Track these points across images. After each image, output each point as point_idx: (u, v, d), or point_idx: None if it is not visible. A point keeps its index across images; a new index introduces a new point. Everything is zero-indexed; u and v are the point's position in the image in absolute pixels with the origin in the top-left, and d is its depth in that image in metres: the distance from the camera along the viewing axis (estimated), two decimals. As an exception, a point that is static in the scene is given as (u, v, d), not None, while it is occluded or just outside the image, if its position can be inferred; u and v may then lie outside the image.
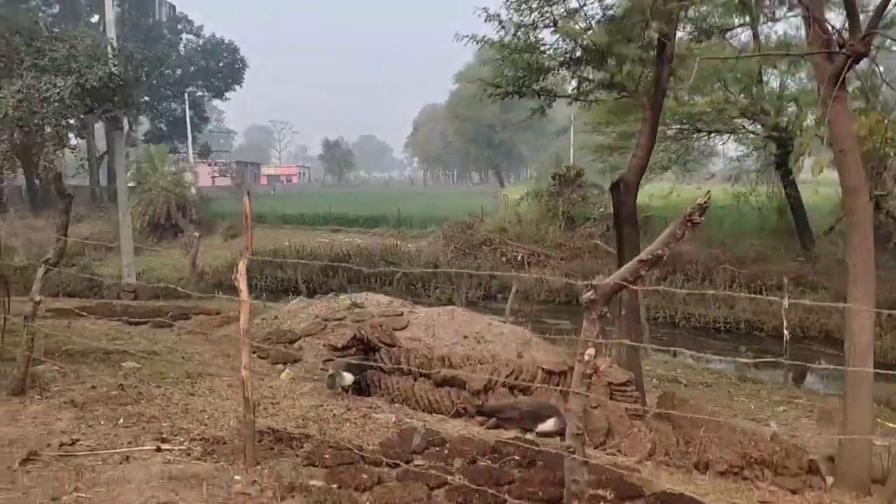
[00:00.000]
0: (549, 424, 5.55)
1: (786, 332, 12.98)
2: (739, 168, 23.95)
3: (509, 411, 5.64)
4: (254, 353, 9.36)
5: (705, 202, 3.09)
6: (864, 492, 5.70)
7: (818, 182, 28.42)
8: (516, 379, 7.80)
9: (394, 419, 6.45)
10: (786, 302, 12.71)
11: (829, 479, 6.17)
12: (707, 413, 8.49)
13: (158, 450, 4.84)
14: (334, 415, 6.32)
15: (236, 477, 4.48)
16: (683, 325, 19.19)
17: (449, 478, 4.81)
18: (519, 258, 26.49)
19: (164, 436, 5.16)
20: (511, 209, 31.94)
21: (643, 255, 3.17)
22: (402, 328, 9.86)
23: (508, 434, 6.41)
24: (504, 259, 26.54)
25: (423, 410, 7.37)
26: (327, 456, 4.99)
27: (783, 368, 14.27)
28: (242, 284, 4.70)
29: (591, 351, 3.25)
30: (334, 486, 4.53)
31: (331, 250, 27.01)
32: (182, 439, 5.15)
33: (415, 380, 7.78)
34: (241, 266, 4.70)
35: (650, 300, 20.48)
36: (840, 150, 5.33)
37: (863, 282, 5.50)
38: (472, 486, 4.59)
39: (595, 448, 6.42)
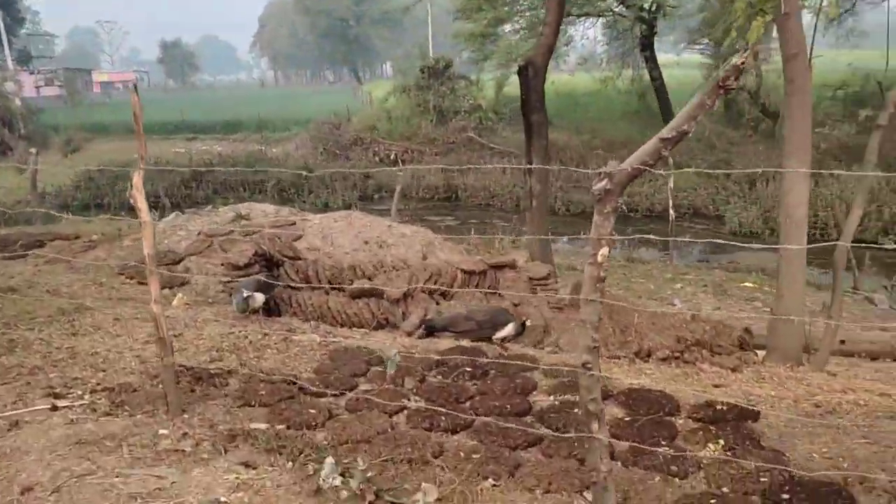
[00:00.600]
0: (508, 329, 5.15)
1: (671, 211, 13.31)
2: (607, 53, 24.04)
3: (464, 323, 5.17)
4: (130, 278, 8.35)
5: (742, 63, 2.60)
6: (796, 362, 5.79)
7: (678, 64, 29.32)
8: (436, 283, 7.35)
9: (318, 340, 5.83)
10: (671, 182, 12.95)
11: (760, 353, 6.26)
12: (626, 300, 8.47)
13: (54, 408, 4.00)
14: (251, 342, 5.61)
15: (161, 431, 3.76)
16: (562, 212, 19.43)
17: (404, 401, 4.33)
18: (392, 156, 25.72)
19: (56, 390, 4.29)
20: (378, 107, 30.81)
21: (665, 132, 2.67)
22: (298, 238, 9.07)
23: (445, 343, 6.00)
24: (377, 158, 25.69)
25: (341, 325, 6.80)
26: (263, 392, 4.33)
27: (659, 246, 14.77)
28: (140, 201, 3.81)
29: (605, 250, 2.78)
30: (281, 426, 3.92)
31: (190, 161, 24.96)
32: (80, 392, 4.30)
33: (326, 293, 7.14)
34: (137, 179, 3.80)
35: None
36: (785, 12, 5.03)
37: (799, 153, 5.38)
38: (432, 407, 4.13)
39: (534, 347, 6.14)
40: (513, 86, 29.39)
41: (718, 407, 4.21)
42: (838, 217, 15.34)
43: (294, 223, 9.71)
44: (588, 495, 3.18)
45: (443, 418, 3.99)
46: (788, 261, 5.64)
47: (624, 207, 19.05)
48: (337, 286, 7.25)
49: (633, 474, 3.40)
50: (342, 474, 3.28)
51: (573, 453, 3.58)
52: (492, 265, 7.72)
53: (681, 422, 4.11)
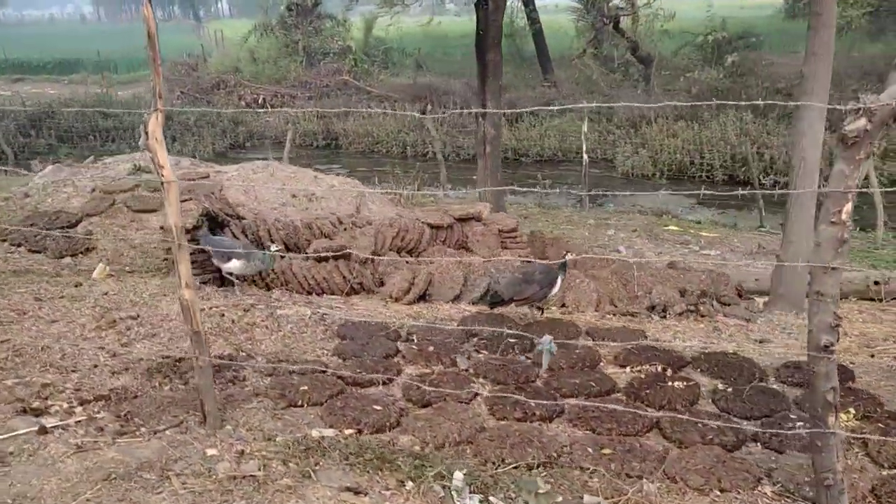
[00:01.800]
0: (559, 284, 4.61)
1: (585, 156, 13.17)
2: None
3: (528, 288, 4.51)
4: (18, 245, 6.96)
5: None
6: (800, 308, 5.72)
7: (556, 7, 29.30)
8: (402, 240, 6.64)
9: (309, 313, 5.00)
10: (585, 126, 12.79)
11: (761, 300, 6.16)
12: (584, 248, 8.18)
13: (43, 430, 3.00)
14: (233, 321, 4.68)
15: (209, 451, 2.91)
16: (453, 158, 18.93)
17: (473, 387, 3.70)
18: (260, 100, 23.91)
19: (30, 404, 3.25)
20: (237, 47, 28.52)
21: None
22: (217, 193, 7.96)
23: (446, 309, 5.37)
24: (243, 103, 23.78)
25: (308, 293, 5.94)
26: (304, 387, 3.53)
27: (566, 193, 14.72)
28: (161, 153, 2.85)
29: (849, 206, 2.29)
30: (351, 430, 3.18)
31: (24, 104, 21.83)
32: (63, 404, 3.30)
33: (282, 257, 6.23)
34: (154, 124, 2.82)
35: (415, 136, 19.89)
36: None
37: (820, 93, 5.17)
38: (507, 393, 3.54)
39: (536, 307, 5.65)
40: (379, 27, 28.27)
41: (804, 367, 3.92)
42: (724, 159, 16.01)
43: (207, 175, 8.52)
44: (766, 489, 2.77)
45: (530, 404, 3.41)
46: (801, 205, 5.49)
47: (510, 153, 18.89)
48: (293, 248, 6.36)
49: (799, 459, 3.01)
50: (477, 491, 2.64)
51: (710, 438, 3.14)
52: (457, 218, 7.10)
53: (776, 387, 3.80)
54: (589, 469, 2.90)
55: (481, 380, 3.82)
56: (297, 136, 21.40)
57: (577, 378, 3.80)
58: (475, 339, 4.43)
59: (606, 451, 3.03)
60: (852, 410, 3.39)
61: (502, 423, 3.34)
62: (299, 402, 3.41)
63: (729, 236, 10.46)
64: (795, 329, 5.21)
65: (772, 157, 15.63)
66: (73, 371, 3.69)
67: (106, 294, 5.15)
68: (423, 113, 17.05)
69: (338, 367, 3.87)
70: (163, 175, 2.85)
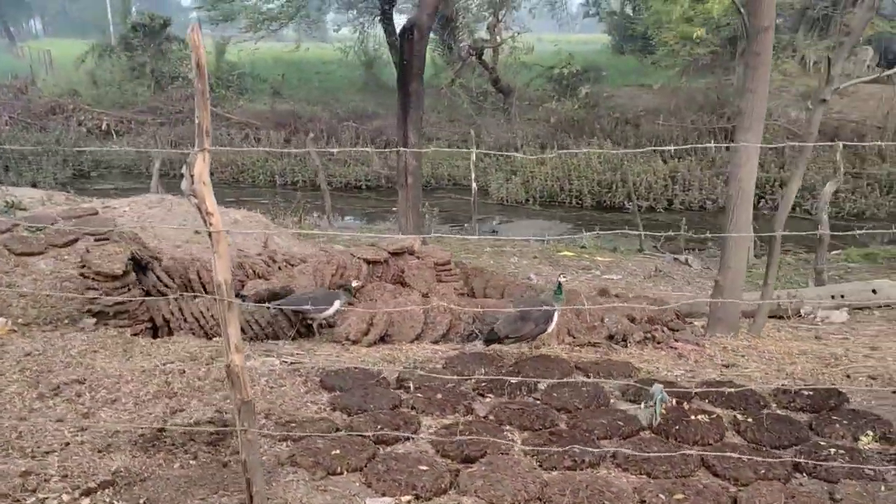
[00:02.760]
0: (556, 319, 4.55)
1: (474, 184, 13.26)
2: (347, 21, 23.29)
3: (525, 326, 4.35)
4: None
5: None
6: (736, 330, 6.01)
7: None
8: (342, 277, 6.30)
9: (277, 363, 4.57)
10: (473, 156, 12.92)
11: (698, 324, 6.41)
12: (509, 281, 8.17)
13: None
14: (198, 378, 4.17)
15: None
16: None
17: (508, 437, 3.51)
18: (104, 126, 22.15)
19: (21, 500, 2.66)
20: (69, 68, 26.32)
21: None
22: (108, 233, 7.22)
23: (418, 348, 5.12)
24: (84, 129, 21.92)
25: (253, 339, 5.45)
26: (336, 451, 3.17)
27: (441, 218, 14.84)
28: (210, 201, 2.46)
29: None
30: (407, 498, 2.90)
31: None
32: (63, 497, 2.73)
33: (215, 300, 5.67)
34: (202, 165, 2.43)
35: (283, 164, 19.23)
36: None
37: (756, 127, 5.49)
38: (542, 440, 3.40)
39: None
40: (231, 53, 27.22)
41: (803, 392, 4.09)
42: (591, 186, 16.83)
43: (95, 212, 7.71)
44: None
45: (574, 451, 3.28)
46: (738, 232, 5.78)
47: (383, 180, 18.79)
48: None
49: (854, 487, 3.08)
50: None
51: (763, 473, 3.16)
52: (392, 252, 6.85)
53: (782, 413, 3.92)
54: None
55: (508, 427, 3.63)
56: (149, 166, 20.06)
57: (600, 418, 3.71)
58: (472, 382, 4.23)
59: (678, 496, 2.95)
60: (870, 433, 3.55)
61: (556, 473, 3.17)
62: (338, 470, 3.05)
63: (622, 261, 10.93)
64: (747, 352, 5.46)
65: (634, 182, 16.61)
66: (47, 452, 3.08)
67: (29, 355, 4.42)
68: (315, 142, 16.48)
69: (349, 425, 3.53)
70: (212, 224, 2.45)
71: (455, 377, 4.25)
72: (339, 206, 16.64)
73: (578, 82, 24.03)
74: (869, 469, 3.16)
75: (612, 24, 39.73)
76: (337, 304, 5.32)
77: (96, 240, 5.96)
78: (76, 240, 6.49)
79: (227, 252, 2.50)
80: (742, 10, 5.59)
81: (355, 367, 4.45)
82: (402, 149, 7.93)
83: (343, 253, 6.59)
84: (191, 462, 3.09)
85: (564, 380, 4.17)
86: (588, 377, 4.38)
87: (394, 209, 16.74)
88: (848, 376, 4.55)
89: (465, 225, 14.65)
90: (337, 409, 3.81)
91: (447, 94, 21.60)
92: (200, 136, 2.42)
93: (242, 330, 5.38)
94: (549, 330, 4.60)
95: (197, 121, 2.44)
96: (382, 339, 5.41)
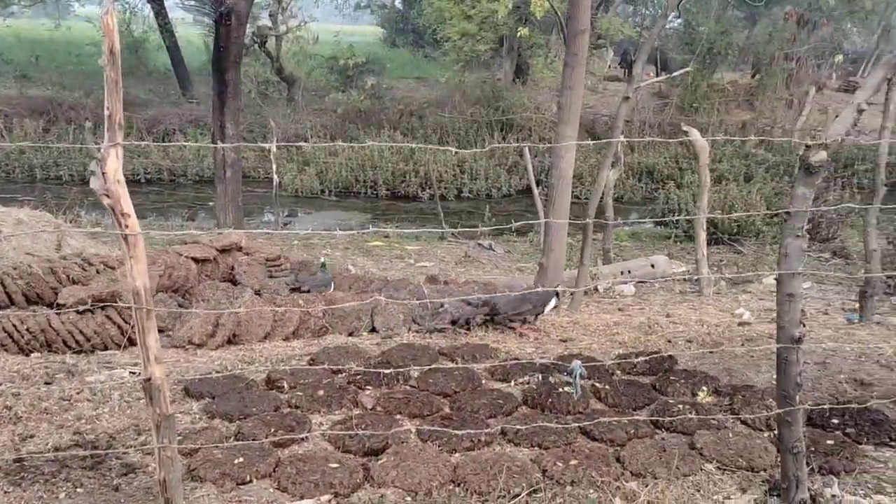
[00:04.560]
0: (554, 302, 5.39)
1: (276, 176, 12.79)
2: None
3: (523, 305, 5.16)
4: None
5: None
6: (558, 309, 6.55)
7: (183, 21, 27.69)
8: (170, 278, 5.90)
9: (126, 374, 4.20)
10: (273, 146, 12.49)
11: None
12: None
13: None
14: (40, 398, 3.72)
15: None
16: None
17: (403, 425, 3.57)
18: None
19: None
20: None
21: (861, 104, 2.82)
22: None
23: (273, 346, 4.97)
24: None
25: (76, 351, 4.93)
26: (240, 459, 3.02)
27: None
28: (126, 201, 2.23)
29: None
30: (327, 497, 2.87)
31: None
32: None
33: (34, 311, 5.05)
34: (115, 162, 2.21)
35: (45, 156, 17.23)
36: (578, -9, 5.51)
37: (574, 122, 6.00)
38: (436, 425, 3.54)
39: (350, 334, 5.52)
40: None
41: (638, 359, 4.60)
42: (386, 176, 17.11)
43: None
44: (708, 466, 3.26)
45: (470, 431, 3.44)
46: (559, 218, 6.29)
47: (166, 173, 17.61)
48: (36, 299, 5.21)
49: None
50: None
51: (633, 433, 3.54)
52: (220, 249, 6.52)
53: (629, 378, 4.39)
54: (580, 482, 3.05)
55: (399, 416, 3.68)
56: None
57: (479, 399, 3.90)
58: (343, 375, 4.21)
59: (573, 462, 3.21)
60: (705, 389, 4.11)
61: (459, 455, 3.30)
62: (247, 478, 2.92)
63: (430, 248, 11.29)
64: (573, 327, 5.97)
65: (425, 172, 17.17)
66: None
67: None
68: (95, 132, 14.85)
69: (239, 431, 3.37)
70: (128, 227, 2.22)
71: (320, 371, 4.20)
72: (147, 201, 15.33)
73: (361, 74, 24.20)
74: (713, 420, 3.67)
75: (384, 17, 40.50)
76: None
77: None
78: None
79: (144, 256, 2.28)
80: (558, 14, 6.06)
81: (218, 373, 4.22)
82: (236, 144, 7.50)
83: (168, 252, 6.13)
84: (77, 490, 2.77)
85: (432, 366, 4.30)
86: (455, 362, 4.56)
87: (179, 204, 15.84)
88: (669, 341, 5.19)
89: (269, 218, 14.23)
90: (215, 416, 3.61)
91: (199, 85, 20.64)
92: (112, 129, 2.19)
93: (65, 342, 4.88)
94: (548, 310, 4.91)
95: (107, 112, 2.20)
96: (229, 341, 5.16)
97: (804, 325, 2.85)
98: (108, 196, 2.18)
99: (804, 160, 2.77)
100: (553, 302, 5.25)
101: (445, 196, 16.98)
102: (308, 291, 6.35)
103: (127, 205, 2.22)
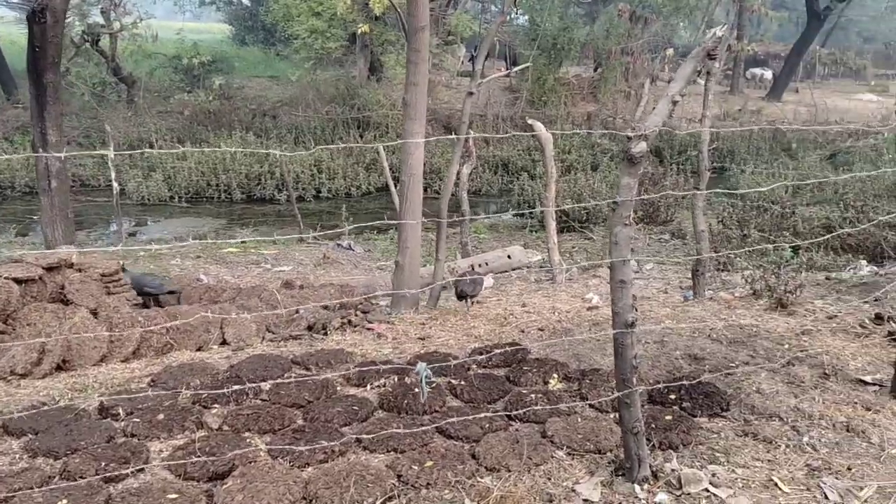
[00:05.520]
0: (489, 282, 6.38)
1: (116, 184, 11.94)
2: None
3: (477, 288, 6.23)
4: None
5: (721, 33, 3.06)
6: (416, 305, 6.56)
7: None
8: (-13, 302, 5.35)
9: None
10: (111, 152, 11.68)
11: (383, 303, 6.79)
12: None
13: None
14: None
15: None
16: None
17: (251, 443, 3.40)
18: None
19: None
20: None
21: (675, 95, 2.95)
22: None
23: (109, 369, 4.61)
24: None
25: None
26: (64, 501, 2.75)
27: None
28: None
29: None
30: None
31: None
32: None
33: None
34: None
35: None
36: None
37: (420, 119, 5.98)
38: (287, 441, 3.43)
39: (200, 350, 5.23)
40: None
41: (494, 350, 4.67)
42: (240, 179, 16.51)
43: None
44: (559, 453, 3.34)
45: (320, 444, 3.34)
46: (413, 215, 6.27)
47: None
48: None
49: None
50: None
51: (487, 427, 3.57)
52: (46, 268, 5.98)
53: (482, 371, 4.44)
54: (436, 484, 3.03)
55: (247, 434, 3.50)
56: None
57: (334, 407, 3.80)
58: (189, 394, 3.97)
59: (429, 464, 3.19)
60: (555, 376, 4.21)
61: (312, 470, 3.18)
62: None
63: (287, 251, 10.98)
64: (432, 324, 5.98)
65: (281, 174, 16.72)
66: None
67: None
68: None
69: (65, 470, 3.07)
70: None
71: (171, 392, 3.94)
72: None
73: (209, 73, 23.23)
74: (564, 406, 3.76)
75: (231, 13, 39.13)
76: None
77: None
78: None
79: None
80: (399, 10, 6.02)
81: (43, 405, 3.85)
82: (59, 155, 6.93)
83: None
84: None
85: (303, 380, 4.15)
86: (308, 370, 4.42)
87: (7, 218, 14.51)
88: (522, 331, 5.30)
89: (112, 230, 13.33)
90: (38, 455, 3.28)
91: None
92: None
93: None
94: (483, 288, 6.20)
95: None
96: (59, 367, 4.74)
97: (636, 310, 2.96)
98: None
99: (627, 151, 2.87)
100: (490, 281, 5.70)
101: (303, 197, 16.63)
102: (156, 296, 6.03)
103: None
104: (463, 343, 5.09)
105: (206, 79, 23.00)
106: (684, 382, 3.76)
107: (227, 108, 20.73)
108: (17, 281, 5.64)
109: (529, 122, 7.60)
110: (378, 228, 13.35)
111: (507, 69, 23.04)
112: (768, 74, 31.16)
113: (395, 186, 11.75)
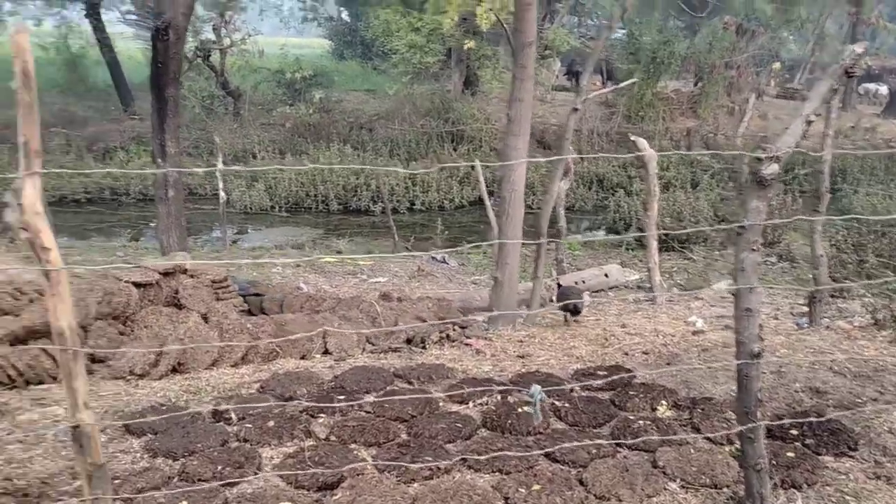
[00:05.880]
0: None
1: (223, 193, 12.47)
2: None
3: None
4: None
5: (863, 50, 2.91)
6: (514, 322, 6.49)
7: (123, 35, 27.10)
8: (109, 304, 5.65)
9: (61, 412, 3.96)
10: (220, 163, 12.24)
11: (480, 318, 6.77)
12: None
13: None
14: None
15: None
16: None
17: (359, 455, 3.43)
18: None
19: None
20: None
21: (810, 115, 2.81)
22: None
23: (220, 374, 4.77)
24: None
25: (10, 385, 4.66)
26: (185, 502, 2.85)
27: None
28: (48, 235, 2.06)
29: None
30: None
31: None
32: None
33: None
34: (34, 192, 2.04)
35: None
36: (527, 3, 5.45)
37: (524, 135, 5.96)
38: (394, 455, 3.42)
39: (302, 357, 5.34)
40: None
41: (598, 372, 4.56)
42: (337, 190, 16.91)
43: None
44: (671, 485, 3.21)
45: (440, 465, 3.33)
46: (513, 230, 6.24)
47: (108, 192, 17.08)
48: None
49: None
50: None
51: (595, 453, 3.47)
52: (162, 273, 6.27)
53: (586, 394, 4.33)
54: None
55: (354, 445, 3.54)
56: None
57: (437, 423, 3.79)
58: (295, 402, 4.05)
59: (536, 487, 3.12)
60: (664, 403, 4.07)
61: (418, 486, 3.17)
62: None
63: (384, 262, 11.13)
64: (530, 342, 5.91)
65: (377, 185, 17.01)
66: None
67: None
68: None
69: (184, 471, 3.18)
70: (49, 261, 2.05)
71: (279, 399, 4.03)
72: (58, 222, 14.74)
73: (309, 87, 23.94)
74: (674, 436, 3.62)
75: (331, 29, 40.25)
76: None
77: None
78: None
79: (67, 293, 2.11)
80: (505, 27, 6.02)
81: (161, 406, 4.02)
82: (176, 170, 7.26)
83: (107, 277, 5.87)
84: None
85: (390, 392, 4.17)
86: (410, 384, 4.44)
87: (122, 223, 15.37)
88: (626, 354, 5.15)
89: (216, 236, 13.90)
90: (158, 455, 3.42)
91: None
92: (28, 157, 2.02)
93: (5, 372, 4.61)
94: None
95: (23, 139, 2.03)
96: (174, 370, 4.94)
97: (762, 340, 2.82)
98: (25, 229, 2.01)
99: (757, 173, 2.74)
100: (587, 299, 6.41)
101: (397, 209, 16.85)
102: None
103: (48, 238, 2.05)
104: (564, 363, 5.00)
105: (306, 92, 23.71)
106: (812, 419, 3.54)
107: (326, 121, 21.29)
108: (137, 285, 5.94)
109: (633, 139, 7.44)
110: (471, 242, 13.37)
111: (604, 83, 22.73)
112: (884, 90, 29.43)
113: (490, 201, 11.83)
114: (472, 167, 16.70)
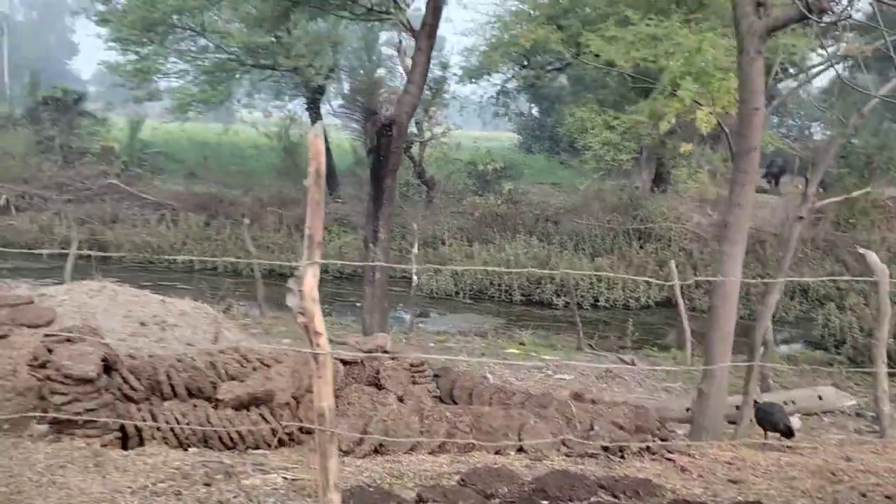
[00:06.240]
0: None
1: (415, 276, 13.06)
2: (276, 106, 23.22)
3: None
4: None
5: None
6: (719, 437, 6.02)
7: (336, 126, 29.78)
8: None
9: (280, 480, 4.14)
10: (415, 248, 12.81)
11: (680, 431, 6.37)
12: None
13: None
14: (199, 500, 3.70)
15: None
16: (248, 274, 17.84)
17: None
18: (2, 201, 20.74)
19: None
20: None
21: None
22: (49, 322, 6.65)
23: (420, 460, 4.79)
24: (-18, 204, 20.46)
25: (228, 448, 4.97)
26: None
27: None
28: (320, 320, 2.18)
29: None
30: None
31: None
32: None
33: (194, 406, 5.19)
34: (313, 281, 2.17)
35: (204, 247, 18.51)
36: (755, 107, 5.29)
37: (739, 240, 5.67)
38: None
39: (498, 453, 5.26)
40: (147, 130, 26.48)
41: None
42: (521, 280, 17.03)
43: (30, 300, 7.05)
44: None
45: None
46: (722, 343, 5.87)
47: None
48: (196, 393, 5.36)
49: None
50: None
51: None
52: (365, 352, 6.53)
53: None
54: None
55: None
56: (52, 244, 18.89)
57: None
58: (496, 501, 3.95)
59: None
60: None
61: None
62: None
63: (567, 359, 10.92)
64: (739, 464, 5.42)
65: (561, 279, 16.93)
66: None
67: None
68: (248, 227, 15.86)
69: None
70: (319, 345, 2.17)
71: (482, 496, 3.96)
72: (269, 294, 16.03)
73: (499, 178, 24.71)
74: None
75: (520, 123, 41.61)
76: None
77: (46, 335, 5.34)
78: (6, 335, 5.90)
79: (331, 377, 2.22)
80: (726, 130, 5.86)
81: (369, 486, 4.09)
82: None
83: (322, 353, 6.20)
84: None
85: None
86: (616, 497, 4.20)
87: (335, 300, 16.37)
88: (864, 495, 4.56)
89: (398, 315, 14.42)
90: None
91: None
92: (311, 248, 2.18)
93: (220, 439, 4.94)
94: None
95: (308, 231, 2.20)
96: (375, 450, 5.04)
97: None
98: (302, 314, 2.15)
99: None
100: (797, 422, 5.59)
101: (581, 304, 16.61)
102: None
103: (320, 324, 2.17)
104: (787, 497, 4.50)
105: (496, 183, 24.48)
106: None
107: (513, 212, 21.76)
108: (344, 362, 6.22)
109: (861, 251, 6.82)
110: (660, 345, 12.84)
111: (807, 186, 21.37)
112: None
113: (682, 302, 11.32)
114: (661, 266, 16.20)
